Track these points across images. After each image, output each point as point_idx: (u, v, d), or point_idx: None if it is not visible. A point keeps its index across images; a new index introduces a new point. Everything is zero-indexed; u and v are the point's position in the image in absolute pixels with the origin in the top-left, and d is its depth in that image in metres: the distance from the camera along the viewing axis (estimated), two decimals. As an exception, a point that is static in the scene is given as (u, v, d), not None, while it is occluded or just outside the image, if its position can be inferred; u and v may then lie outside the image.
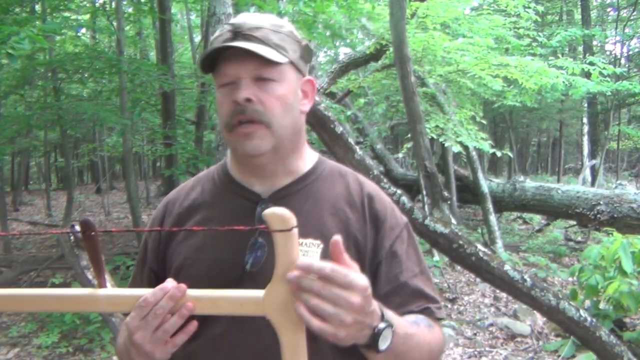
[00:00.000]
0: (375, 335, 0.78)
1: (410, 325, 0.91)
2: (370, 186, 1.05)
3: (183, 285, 0.77)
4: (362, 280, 0.74)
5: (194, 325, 0.80)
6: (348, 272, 0.73)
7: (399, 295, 0.97)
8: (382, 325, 0.79)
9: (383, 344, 0.79)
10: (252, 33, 0.93)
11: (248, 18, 0.95)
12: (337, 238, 0.74)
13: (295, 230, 0.71)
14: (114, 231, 0.85)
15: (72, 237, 2.76)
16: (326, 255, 0.92)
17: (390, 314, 0.84)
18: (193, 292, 0.77)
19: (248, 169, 1.01)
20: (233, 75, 0.93)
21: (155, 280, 1.02)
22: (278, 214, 0.71)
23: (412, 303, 0.98)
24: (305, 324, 0.72)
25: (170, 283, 0.78)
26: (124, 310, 0.80)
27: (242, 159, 0.99)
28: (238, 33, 0.93)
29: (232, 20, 0.96)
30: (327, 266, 0.72)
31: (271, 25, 0.95)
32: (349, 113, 7.91)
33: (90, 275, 2.67)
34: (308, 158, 1.05)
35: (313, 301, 0.71)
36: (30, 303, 0.81)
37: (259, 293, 0.74)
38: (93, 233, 0.75)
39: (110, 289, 0.80)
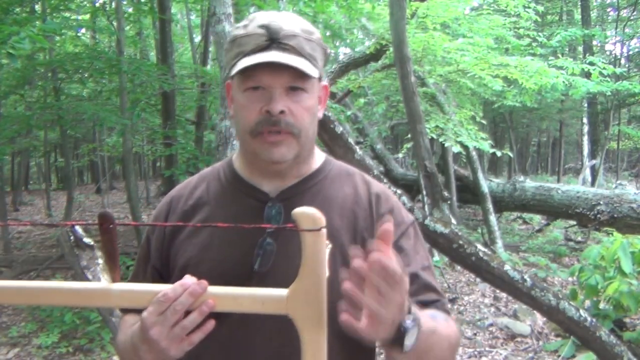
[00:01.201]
0: (402, 332, 0.75)
1: (431, 319, 0.87)
2: (377, 186, 1.05)
3: (204, 282, 0.75)
4: (406, 278, 0.71)
5: (211, 324, 0.78)
6: (398, 269, 0.68)
7: (410, 284, 0.94)
8: (408, 321, 0.75)
9: (409, 342, 0.76)
10: (289, 42, 0.90)
11: (283, 22, 0.92)
12: (389, 227, 0.68)
13: (324, 231, 0.70)
14: (132, 225, 0.82)
15: (72, 237, 2.76)
16: (334, 255, 0.91)
17: (414, 307, 0.79)
18: (214, 289, 0.76)
19: (260, 170, 0.99)
20: (266, 84, 0.91)
21: (158, 279, 1.00)
22: (308, 214, 0.70)
23: (423, 294, 0.95)
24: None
25: (190, 279, 0.76)
26: (137, 306, 0.79)
27: (261, 163, 0.97)
28: (274, 40, 0.90)
29: (265, 22, 0.92)
30: (398, 272, 0.68)
31: (303, 31, 0.93)
32: (349, 113, 7.90)
33: (90, 275, 2.67)
34: (316, 157, 1.05)
35: (375, 305, 0.68)
36: (41, 296, 0.80)
37: (282, 292, 0.73)
38: (111, 226, 0.74)
39: (124, 284, 0.78)
